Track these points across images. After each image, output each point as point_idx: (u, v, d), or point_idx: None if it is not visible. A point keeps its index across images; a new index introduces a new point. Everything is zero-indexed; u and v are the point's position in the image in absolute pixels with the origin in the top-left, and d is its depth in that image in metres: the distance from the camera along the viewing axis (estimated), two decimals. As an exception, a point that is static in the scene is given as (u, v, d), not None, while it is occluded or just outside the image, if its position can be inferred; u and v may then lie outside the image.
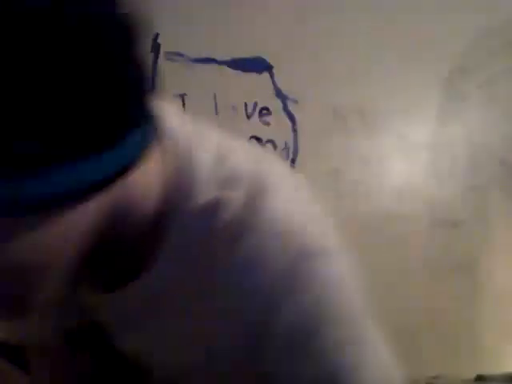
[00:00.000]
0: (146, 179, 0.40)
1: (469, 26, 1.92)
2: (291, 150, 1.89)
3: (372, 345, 0.44)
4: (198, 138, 0.45)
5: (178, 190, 0.42)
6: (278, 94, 1.89)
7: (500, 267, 1.93)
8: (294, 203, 0.45)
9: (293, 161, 1.89)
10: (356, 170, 1.91)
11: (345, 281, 0.44)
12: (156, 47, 1.89)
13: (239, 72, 1.89)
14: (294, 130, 1.89)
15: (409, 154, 1.93)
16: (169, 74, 1.88)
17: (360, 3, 1.91)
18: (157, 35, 1.88)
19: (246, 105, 1.89)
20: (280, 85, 1.89)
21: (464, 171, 1.95)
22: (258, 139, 1.88)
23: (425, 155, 1.94)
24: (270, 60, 1.88)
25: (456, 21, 1.90)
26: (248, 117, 1.88)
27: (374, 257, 1.89)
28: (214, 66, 1.88)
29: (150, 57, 1.89)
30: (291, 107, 1.89)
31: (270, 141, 1.88)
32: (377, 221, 1.88)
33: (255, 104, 1.89)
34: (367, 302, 0.45)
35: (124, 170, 0.34)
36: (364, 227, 1.87)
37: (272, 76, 1.89)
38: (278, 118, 1.88)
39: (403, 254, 1.88)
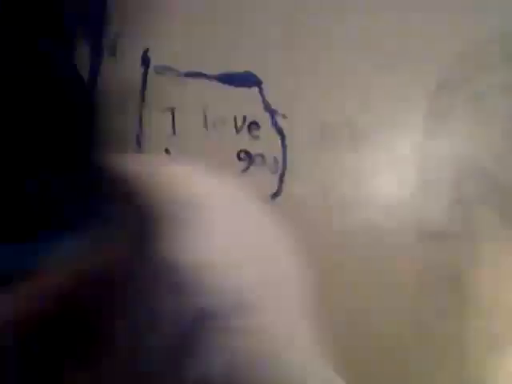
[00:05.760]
0: None
1: (456, 40, 1.94)
2: (280, 165, 1.90)
3: None
4: None
5: None
6: (267, 108, 1.90)
7: (487, 280, 1.94)
8: None
9: (282, 175, 1.90)
10: (344, 184, 1.92)
11: None
12: (146, 61, 1.90)
13: (229, 86, 1.90)
14: (283, 145, 1.90)
15: (396, 167, 1.95)
16: (158, 87, 1.89)
17: (348, 19, 1.93)
18: (147, 49, 1.90)
19: (235, 119, 1.90)
20: (269, 99, 1.90)
21: (451, 185, 1.96)
22: (247, 153, 1.89)
23: (412, 168, 1.95)
24: (260, 75, 1.90)
25: (443, 34, 1.93)
26: (237, 131, 1.89)
27: (362, 270, 1.89)
28: (204, 81, 1.89)
29: (139, 70, 1.90)
30: (280, 122, 1.90)
31: (259, 155, 1.89)
32: (364, 234, 1.89)
33: (244, 118, 1.90)
34: None
35: None
36: (351, 240, 1.88)
37: (261, 91, 1.90)
38: (267, 132, 1.89)
39: (390, 267, 1.88)
